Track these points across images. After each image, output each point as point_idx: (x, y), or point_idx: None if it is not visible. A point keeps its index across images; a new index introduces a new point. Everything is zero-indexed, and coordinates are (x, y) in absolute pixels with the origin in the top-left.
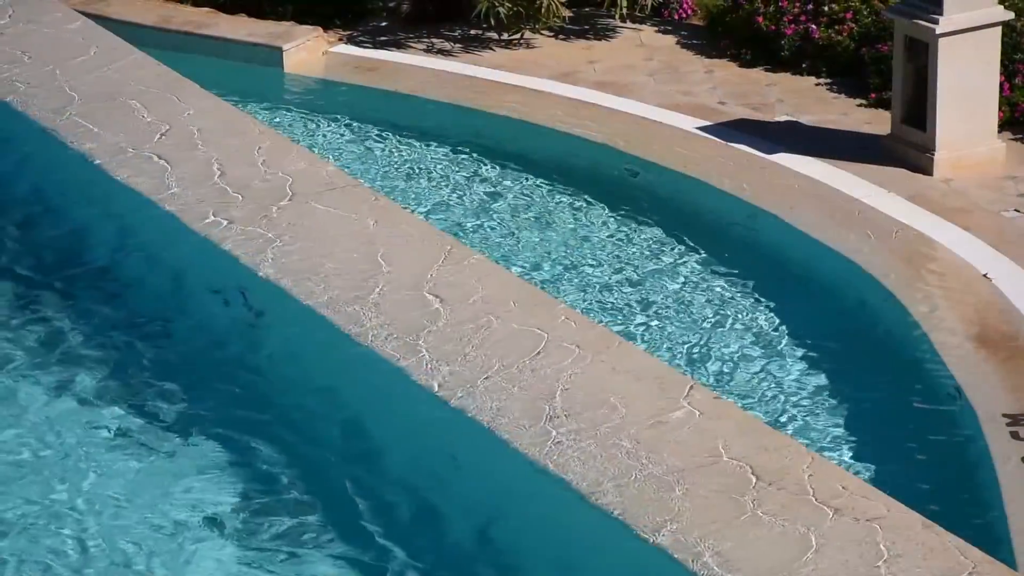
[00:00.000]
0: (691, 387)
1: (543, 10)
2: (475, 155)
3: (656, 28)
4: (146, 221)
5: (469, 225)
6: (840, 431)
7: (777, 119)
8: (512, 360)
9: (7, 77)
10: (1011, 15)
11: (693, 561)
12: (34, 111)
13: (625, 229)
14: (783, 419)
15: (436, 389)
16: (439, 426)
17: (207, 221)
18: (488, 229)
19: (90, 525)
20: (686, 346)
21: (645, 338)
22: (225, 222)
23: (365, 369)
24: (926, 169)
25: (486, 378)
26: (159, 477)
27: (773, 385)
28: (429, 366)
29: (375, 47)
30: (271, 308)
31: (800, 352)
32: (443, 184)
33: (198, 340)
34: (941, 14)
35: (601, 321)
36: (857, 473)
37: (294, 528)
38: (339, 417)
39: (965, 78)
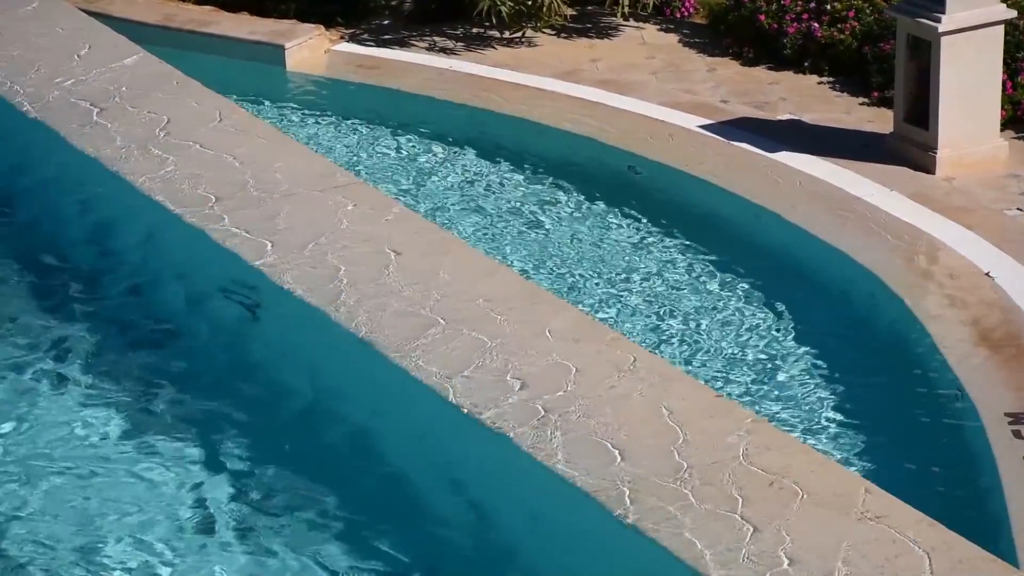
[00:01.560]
0: (692, 386)
1: (544, 8)
2: (477, 153)
3: (658, 26)
4: (145, 219)
5: (470, 223)
6: (842, 430)
7: (779, 118)
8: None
9: None
10: (1014, 13)
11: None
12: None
13: (627, 227)
14: (784, 418)
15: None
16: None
17: (206, 218)
18: (490, 227)
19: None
20: (686, 345)
21: (645, 336)
22: (225, 220)
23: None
24: (928, 168)
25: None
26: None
27: (774, 384)
28: (432, 366)
29: (377, 45)
30: (271, 307)
31: (802, 351)
32: (445, 182)
33: (199, 340)
34: (944, 12)
35: (601, 320)
36: (859, 472)
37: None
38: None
39: (967, 76)
